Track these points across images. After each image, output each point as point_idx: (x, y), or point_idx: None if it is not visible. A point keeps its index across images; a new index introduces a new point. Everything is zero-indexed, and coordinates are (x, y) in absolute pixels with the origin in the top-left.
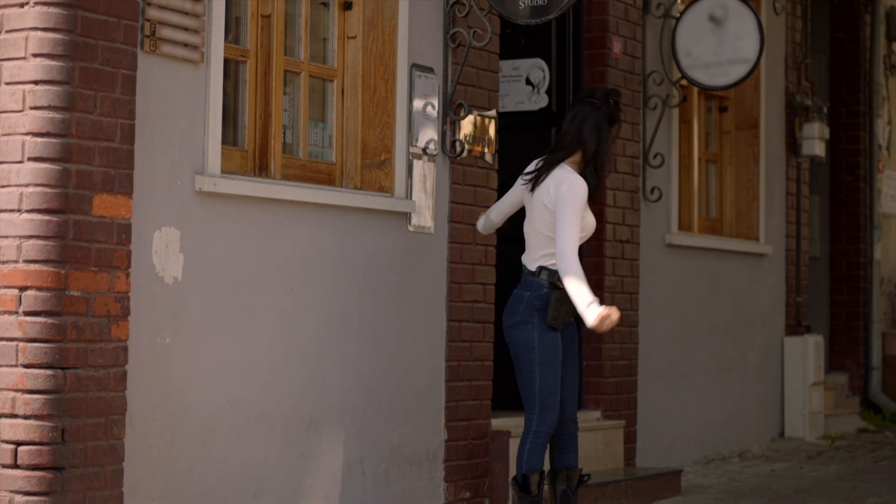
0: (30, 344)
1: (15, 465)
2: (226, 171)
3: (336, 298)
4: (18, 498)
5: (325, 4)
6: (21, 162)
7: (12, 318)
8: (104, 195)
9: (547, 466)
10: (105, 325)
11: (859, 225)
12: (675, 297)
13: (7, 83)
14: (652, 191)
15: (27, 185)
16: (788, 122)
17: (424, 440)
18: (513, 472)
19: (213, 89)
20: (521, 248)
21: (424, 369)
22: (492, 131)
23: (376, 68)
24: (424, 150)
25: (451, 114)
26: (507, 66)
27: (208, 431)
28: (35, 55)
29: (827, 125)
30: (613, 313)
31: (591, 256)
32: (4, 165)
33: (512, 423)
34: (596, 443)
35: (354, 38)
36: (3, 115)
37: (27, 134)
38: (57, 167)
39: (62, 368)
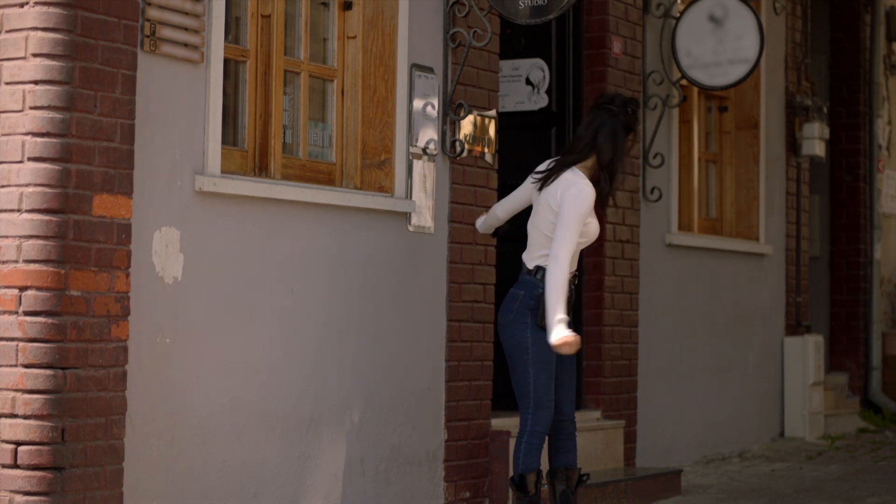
0: (30, 344)
1: (15, 465)
2: (226, 171)
3: (336, 298)
4: (18, 498)
5: (325, 4)
6: (21, 162)
7: (12, 318)
8: (104, 195)
9: (546, 466)
10: (105, 325)
11: (859, 225)
12: (675, 297)
13: (7, 83)
14: (652, 191)
15: (27, 185)
16: (788, 122)
17: (424, 440)
18: (513, 472)
19: (213, 89)
20: (521, 248)
21: (424, 369)
22: (492, 131)
23: (376, 68)
24: (424, 150)
25: (451, 114)
26: (507, 66)
27: (208, 431)
28: (35, 55)
29: (827, 125)
30: (575, 344)
31: (591, 256)
32: (4, 165)
33: (512, 423)
34: (596, 443)
35: (354, 38)
36: (3, 115)
37: (27, 134)
38: (57, 167)
39: (62, 368)
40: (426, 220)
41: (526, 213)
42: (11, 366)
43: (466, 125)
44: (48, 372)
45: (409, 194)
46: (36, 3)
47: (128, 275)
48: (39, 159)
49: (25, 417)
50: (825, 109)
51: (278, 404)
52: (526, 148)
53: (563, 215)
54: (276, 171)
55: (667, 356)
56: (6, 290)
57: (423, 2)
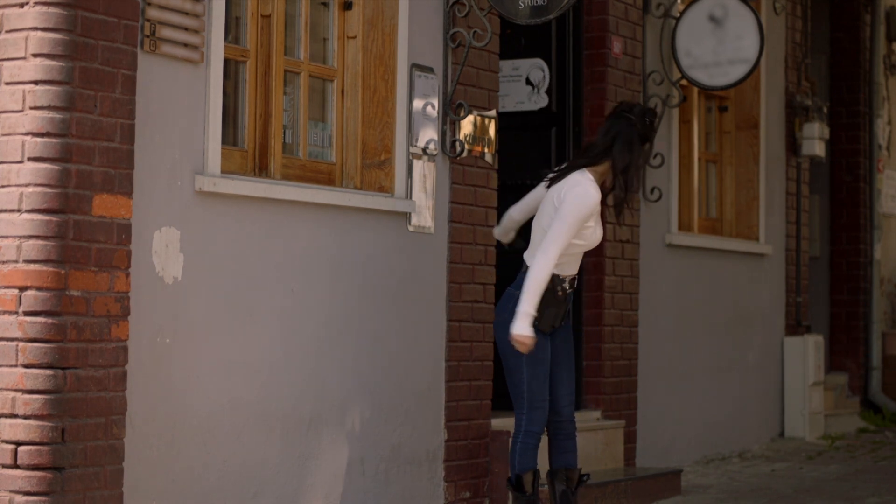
0: (30, 344)
1: (15, 465)
2: (226, 171)
3: (336, 298)
4: (18, 498)
5: (325, 4)
6: (21, 162)
7: (12, 318)
8: (104, 195)
9: (546, 466)
10: (105, 325)
11: (859, 225)
12: (675, 297)
13: (7, 83)
14: (652, 191)
15: (27, 185)
16: (788, 122)
17: (424, 440)
18: (510, 472)
19: (213, 89)
20: (521, 248)
21: (424, 369)
22: (492, 131)
23: (376, 68)
24: (424, 150)
25: (451, 114)
26: (507, 66)
27: (208, 431)
28: (35, 55)
29: (827, 125)
30: (528, 347)
31: (591, 256)
32: (4, 165)
33: (512, 423)
34: (596, 443)
35: (354, 38)
36: (3, 115)
37: (27, 134)
38: (57, 167)
39: (62, 368)
40: (426, 220)
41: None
42: (11, 366)
43: (466, 125)
44: (48, 372)
45: (409, 194)
46: (36, 3)
47: (128, 275)
48: (39, 159)
49: (25, 417)
50: (825, 109)
51: (278, 404)
52: (526, 148)
53: (561, 211)
54: (276, 171)
55: (667, 356)
56: (6, 290)
57: (423, 2)
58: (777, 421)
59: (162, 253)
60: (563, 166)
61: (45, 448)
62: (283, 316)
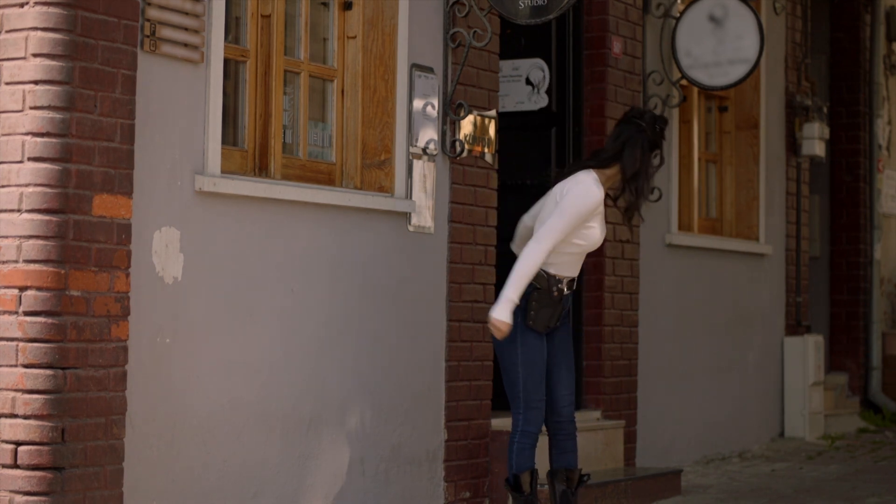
0: (30, 344)
1: (15, 465)
2: (226, 171)
3: (336, 298)
4: (18, 498)
5: (325, 4)
6: (21, 162)
7: (12, 318)
8: (104, 195)
9: (547, 467)
10: (105, 325)
11: (859, 225)
12: (675, 297)
13: (7, 83)
14: (652, 191)
15: (27, 185)
16: (788, 122)
17: (424, 440)
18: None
19: (213, 89)
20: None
21: (424, 369)
22: (492, 131)
23: (376, 68)
24: (424, 150)
25: (451, 114)
26: (507, 66)
27: (208, 431)
28: (35, 55)
29: (827, 125)
30: (503, 333)
31: (592, 256)
32: (4, 165)
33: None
34: (596, 443)
35: (354, 38)
36: (3, 115)
37: (27, 134)
38: (57, 167)
39: (62, 368)
40: (426, 220)
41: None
42: (11, 366)
43: (466, 125)
44: (48, 372)
45: (409, 194)
46: (36, 3)
47: (128, 275)
48: (39, 159)
49: (25, 417)
50: (825, 109)
51: (278, 404)
52: (526, 148)
53: (561, 205)
54: (276, 171)
55: (667, 356)
56: (6, 290)
57: (423, 2)
58: (777, 421)
59: (162, 253)
60: (570, 166)
61: (45, 448)
62: (283, 316)
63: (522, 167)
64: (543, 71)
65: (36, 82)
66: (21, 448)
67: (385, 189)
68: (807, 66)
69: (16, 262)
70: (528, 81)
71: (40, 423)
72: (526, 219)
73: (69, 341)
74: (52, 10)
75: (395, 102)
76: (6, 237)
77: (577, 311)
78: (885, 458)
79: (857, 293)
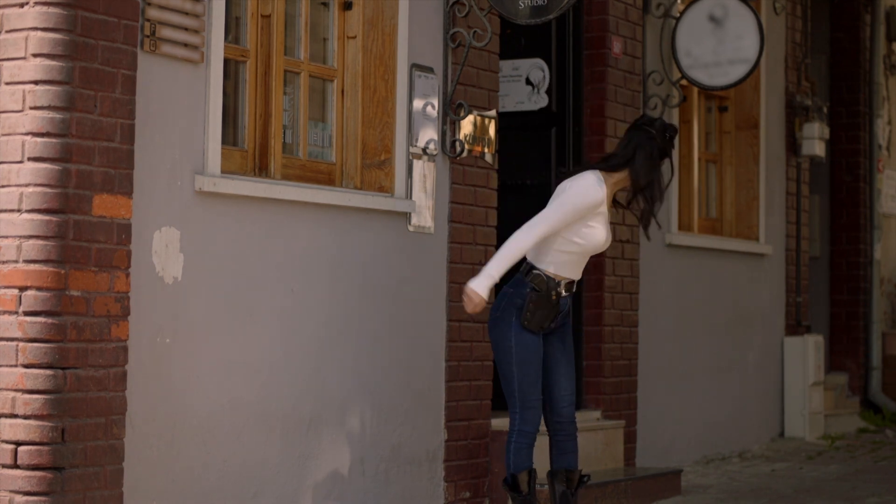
0: (30, 344)
1: (15, 465)
2: (226, 171)
3: (336, 298)
4: (18, 498)
5: (325, 4)
6: (21, 162)
7: (12, 318)
8: (104, 195)
9: (547, 467)
10: (105, 325)
11: (859, 225)
12: (675, 297)
13: (7, 83)
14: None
15: (27, 185)
16: (788, 122)
17: (424, 440)
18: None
19: (213, 89)
20: None
21: (424, 369)
22: (492, 131)
23: (376, 68)
24: (424, 150)
25: (451, 114)
26: (507, 66)
27: (208, 431)
28: (35, 55)
29: (827, 125)
30: (473, 305)
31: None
32: (4, 165)
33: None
34: (596, 443)
35: (354, 38)
36: (3, 115)
37: (27, 134)
38: (57, 167)
39: (62, 368)
40: (426, 220)
41: (524, 216)
42: (11, 366)
43: (466, 125)
44: (48, 372)
45: (409, 194)
46: (36, 3)
47: (128, 275)
48: (39, 159)
49: (25, 417)
50: (825, 109)
51: (278, 404)
52: (526, 148)
53: (560, 197)
54: (276, 171)
55: (667, 356)
56: (6, 290)
57: (423, 2)
58: (777, 421)
59: (162, 253)
60: (577, 167)
61: (45, 448)
62: (283, 316)
63: (522, 167)
64: (543, 71)
65: (36, 82)
66: (21, 448)
67: (385, 189)
68: (807, 66)
69: (16, 262)
70: (528, 81)
71: (40, 423)
72: None
73: (69, 341)
74: (52, 10)
75: (395, 102)
76: (6, 237)
77: (578, 311)
78: (885, 458)
79: (857, 293)
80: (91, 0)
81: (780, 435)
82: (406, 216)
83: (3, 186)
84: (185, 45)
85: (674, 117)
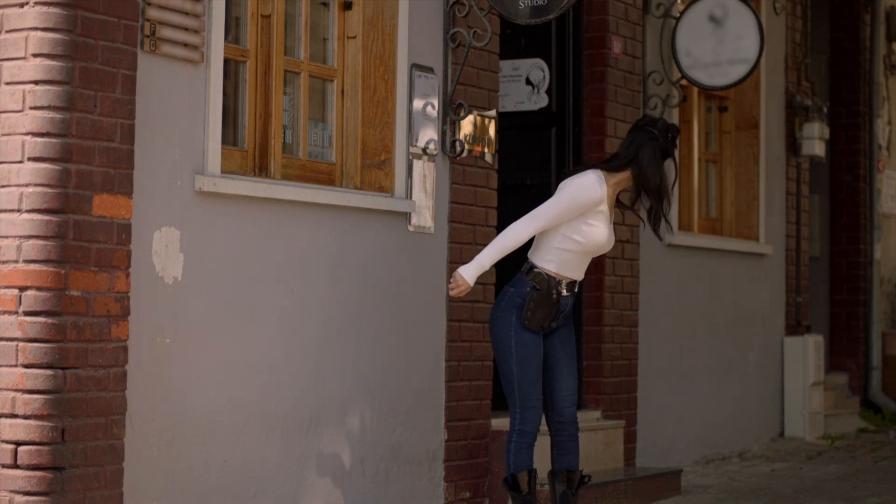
0: (30, 344)
1: (15, 465)
2: (226, 171)
3: (336, 298)
4: (18, 498)
5: (325, 4)
6: (21, 162)
7: (12, 318)
8: (104, 195)
9: (547, 467)
10: (105, 325)
11: (859, 225)
12: (675, 297)
13: (7, 83)
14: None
15: (27, 185)
16: (788, 122)
17: (424, 440)
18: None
19: (213, 89)
20: (521, 249)
21: (424, 369)
22: (492, 131)
23: (376, 68)
24: (424, 150)
25: (451, 114)
26: (507, 66)
27: (208, 431)
28: (35, 55)
29: (827, 125)
30: (460, 290)
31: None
32: (4, 165)
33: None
34: (596, 443)
35: (354, 38)
36: (3, 115)
37: (27, 134)
38: (57, 167)
39: (62, 368)
40: (426, 220)
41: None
42: (11, 366)
43: (466, 125)
44: (48, 372)
45: (409, 194)
46: (36, 3)
47: (128, 275)
48: (39, 159)
49: (25, 417)
50: (825, 109)
51: (278, 404)
52: (526, 148)
53: (559, 192)
54: (276, 171)
55: (667, 356)
56: (6, 290)
57: (423, 2)
58: (777, 421)
59: (162, 253)
60: (578, 166)
61: (45, 448)
62: (283, 316)
63: (522, 167)
64: (543, 71)
65: (36, 82)
66: (21, 448)
67: (385, 189)
68: (807, 66)
69: (16, 262)
70: (528, 81)
71: (40, 423)
72: None
73: (69, 341)
74: (52, 10)
75: (395, 102)
76: (6, 237)
77: (578, 311)
78: (885, 458)
79: (857, 293)
80: (91, 0)
81: (780, 435)
82: (406, 216)
83: (3, 186)
84: (185, 45)
85: (674, 117)
